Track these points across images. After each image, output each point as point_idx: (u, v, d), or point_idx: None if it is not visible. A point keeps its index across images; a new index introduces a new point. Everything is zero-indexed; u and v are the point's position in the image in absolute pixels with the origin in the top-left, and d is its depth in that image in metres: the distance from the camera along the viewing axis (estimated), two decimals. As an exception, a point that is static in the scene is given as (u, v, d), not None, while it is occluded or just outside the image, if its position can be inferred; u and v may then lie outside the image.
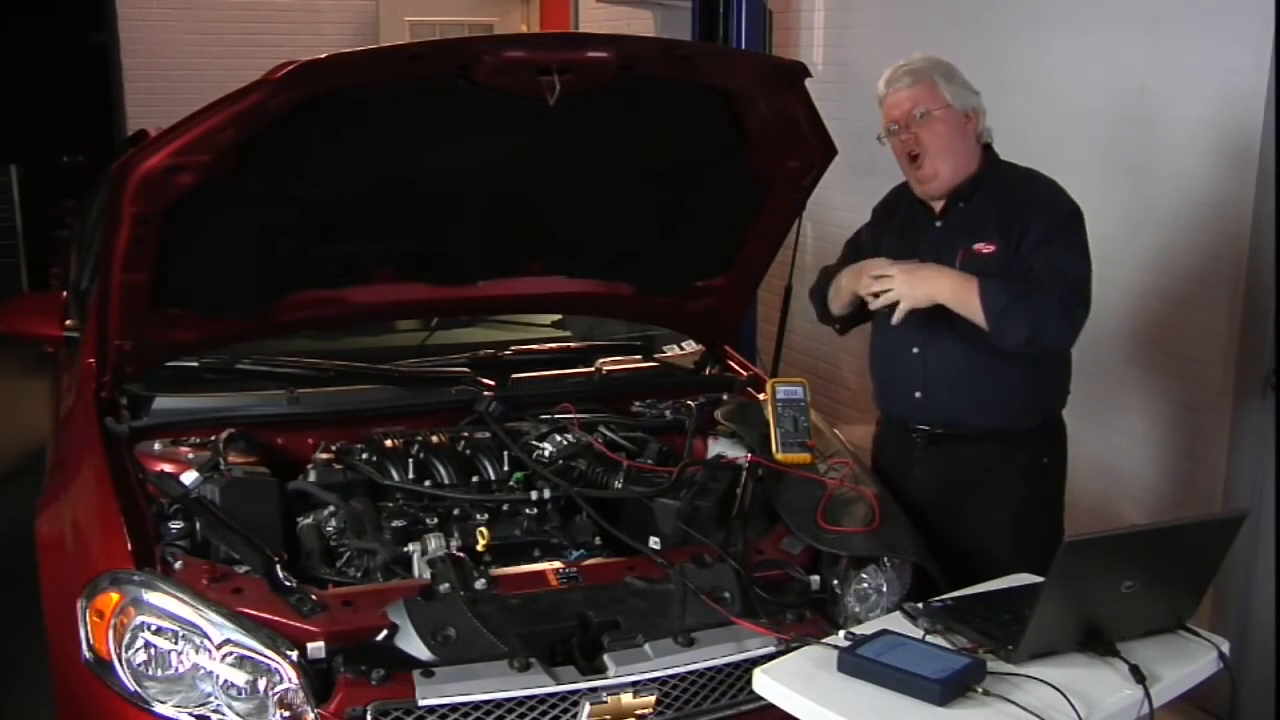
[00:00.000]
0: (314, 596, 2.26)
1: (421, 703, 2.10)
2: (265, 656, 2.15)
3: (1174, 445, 3.59)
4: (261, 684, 2.15)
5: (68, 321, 3.44)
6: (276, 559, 2.35)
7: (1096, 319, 3.72)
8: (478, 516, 2.61)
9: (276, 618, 2.20)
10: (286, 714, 2.13)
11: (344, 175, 2.64)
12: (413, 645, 2.20)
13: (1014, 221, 2.71)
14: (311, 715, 2.11)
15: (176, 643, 2.18)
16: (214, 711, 2.15)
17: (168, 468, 2.60)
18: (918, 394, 2.85)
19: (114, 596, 2.23)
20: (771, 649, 2.28)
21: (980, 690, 1.92)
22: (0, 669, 3.51)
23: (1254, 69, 3.24)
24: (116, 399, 2.79)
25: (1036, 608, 1.99)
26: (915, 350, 2.83)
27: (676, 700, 2.25)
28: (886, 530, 2.60)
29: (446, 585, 2.31)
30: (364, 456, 2.74)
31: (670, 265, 3.18)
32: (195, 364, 2.98)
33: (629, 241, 3.09)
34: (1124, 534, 2.22)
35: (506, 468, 2.81)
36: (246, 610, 2.20)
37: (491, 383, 3.05)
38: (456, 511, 2.63)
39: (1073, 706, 1.88)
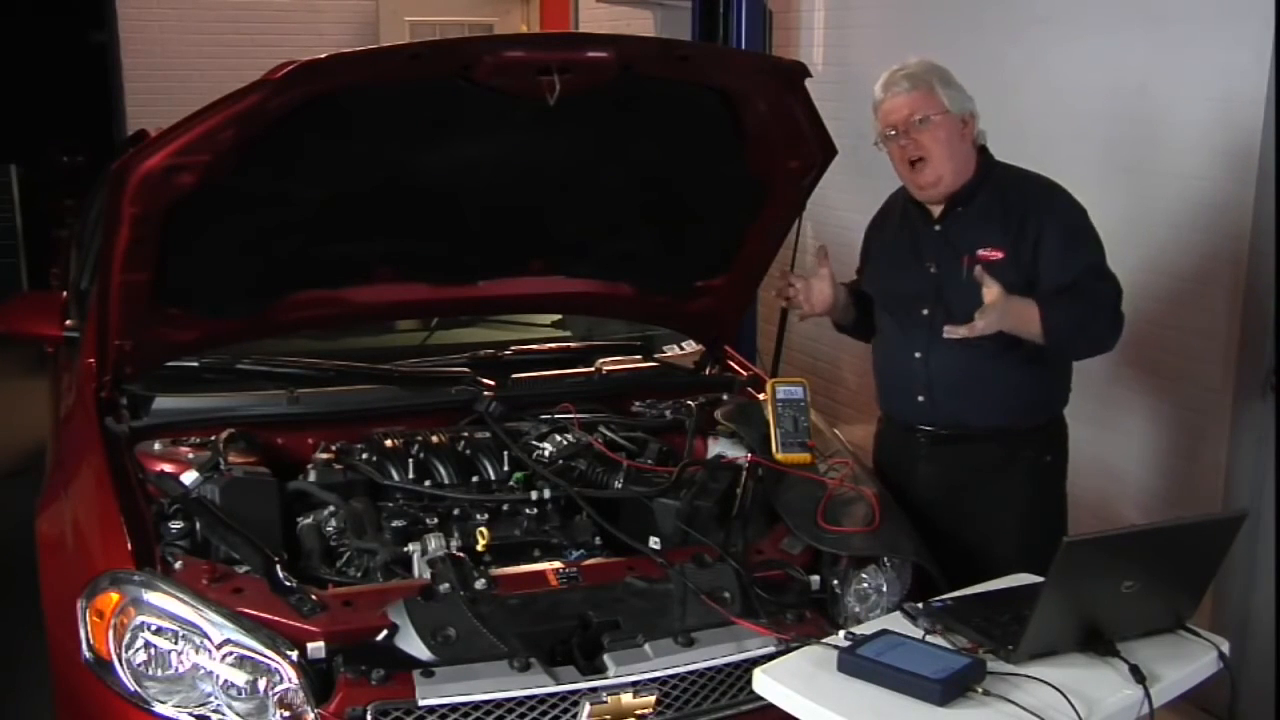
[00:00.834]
0: (314, 596, 2.26)
1: (421, 703, 2.10)
2: (265, 656, 2.15)
3: (1174, 445, 3.59)
4: (261, 684, 2.15)
5: (68, 321, 3.45)
6: (276, 559, 2.35)
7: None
8: (478, 516, 2.61)
9: (276, 618, 2.20)
10: (286, 714, 2.13)
11: (344, 175, 2.64)
12: (413, 645, 2.20)
13: (1022, 228, 2.69)
14: (311, 715, 2.11)
15: (176, 643, 2.18)
16: (214, 711, 2.15)
17: (168, 468, 2.60)
18: (920, 397, 2.85)
19: (114, 596, 2.23)
20: (771, 649, 2.28)
21: (980, 690, 1.92)
22: (0, 669, 3.51)
23: (1254, 69, 3.24)
24: (116, 399, 2.79)
25: (1036, 608, 2.00)
26: (918, 355, 2.82)
27: (676, 700, 2.25)
28: (886, 530, 2.60)
29: (446, 585, 2.31)
30: (364, 456, 2.74)
31: (670, 265, 3.18)
32: (195, 364, 2.98)
33: (629, 241, 3.09)
34: (1124, 534, 2.22)
35: (506, 468, 2.81)
36: (246, 610, 2.20)
37: (491, 383, 3.05)
38: (456, 511, 2.63)
39: (1073, 706, 1.88)
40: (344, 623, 2.22)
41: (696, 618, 2.35)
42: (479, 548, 2.50)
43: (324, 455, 2.74)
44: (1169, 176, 3.54)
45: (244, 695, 2.15)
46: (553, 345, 3.52)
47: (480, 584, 2.34)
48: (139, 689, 2.17)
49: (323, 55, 2.27)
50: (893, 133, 2.76)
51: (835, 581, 2.55)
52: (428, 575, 2.38)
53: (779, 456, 2.76)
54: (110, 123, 7.73)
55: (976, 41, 4.21)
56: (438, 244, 2.94)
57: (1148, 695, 1.96)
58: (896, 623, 2.16)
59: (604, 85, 2.48)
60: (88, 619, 2.24)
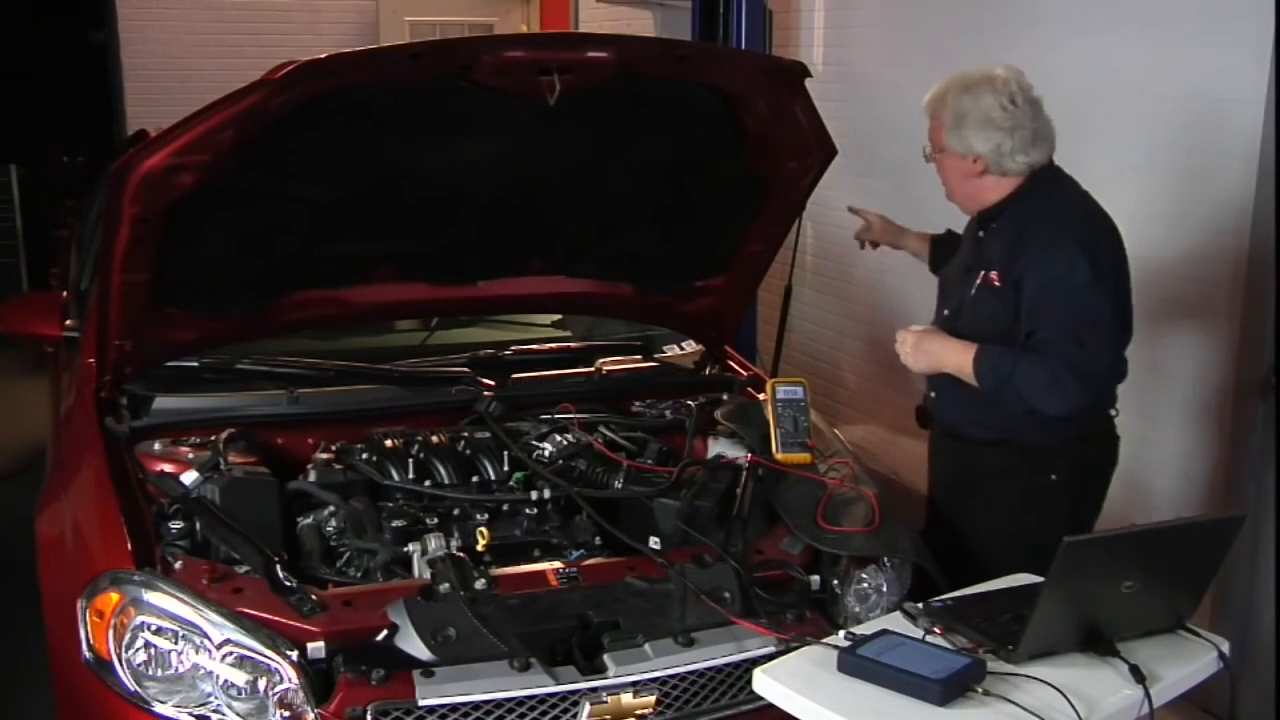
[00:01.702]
0: (314, 596, 2.26)
1: (421, 703, 2.10)
2: (265, 656, 2.15)
3: (1174, 445, 3.59)
4: (261, 684, 2.15)
5: (68, 321, 3.44)
6: (276, 559, 2.35)
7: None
8: (478, 516, 2.61)
9: (276, 618, 2.20)
10: (286, 714, 2.13)
11: (344, 175, 2.64)
12: (413, 645, 2.20)
13: (1013, 265, 2.66)
14: (311, 715, 2.11)
15: (176, 643, 2.18)
16: (214, 711, 2.15)
17: (168, 468, 2.60)
18: (932, 393, 2.91)
19: (114, 596, 2.23)
20: (771, 649, 2.28)
21: (980, 690, 1.92)
22: (0, 669, 3.51)
23: (1254, 69, 3.24)
24: (116, 399, 2.79)
25: (1036, 608, 2.00)
26: None
27: (676, 700, 2.25)
28: (886, 530, 2.60)
29: (446, 585, 2.31)
30: (364, 456, 2.74)
31: (670, 265, 3.18)
32: (195, 364, 2.98)
33: (629, 241, 3.09)
34: (1124, 534, 2.22)
35: (506, 468, 2.81)
36: (246, 610, 2.20)
37: (491, 383, 3.05)
38: (456, 511, 2.64)
39: (1073, 706, 1.88)
40: (344, 623, 2.22)
41: (696, 618, 2.35)
42: (479, 548, 2.50)
43: (324, 455, 2.74)
44: (1169, 176, 3.54)
45: (244, 695, 2.15)
46: (553, 345, 3.52)
47: (480, 584, 2.34)
48: (139, 689, 2.17)
49: (323, 55, 2.27)
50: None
51: (835, 581, 2.55)
52: (428, 575, 2.38)
53: (779, 456, 2.76)
54: (110, 123, 7.73)
55: (976, 41, 4.21)
56: (438, 244, 2.93)
57: (1148, 695, 1.96)
58: (896, 623, 2.16)
59: (604, 85, 2.48)
60: (88, 619, 2.24)
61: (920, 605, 2.21)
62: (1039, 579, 2.12)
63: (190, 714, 2.15)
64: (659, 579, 2.43)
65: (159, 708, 2.16)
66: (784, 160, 2.86)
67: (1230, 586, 3.35)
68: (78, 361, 3.07)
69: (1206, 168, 3.42)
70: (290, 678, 2.13)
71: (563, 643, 2.28)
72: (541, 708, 2.16)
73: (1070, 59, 3.88)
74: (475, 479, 2.77)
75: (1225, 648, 2.14)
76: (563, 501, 2.71)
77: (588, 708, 2.18)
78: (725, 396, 3.16)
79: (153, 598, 2.21)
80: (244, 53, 6.83)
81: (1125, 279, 2.73)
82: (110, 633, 2.20)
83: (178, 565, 2.31)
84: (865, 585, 2.56)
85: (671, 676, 2.25)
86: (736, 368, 3.41)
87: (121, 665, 2.18)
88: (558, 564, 2.48)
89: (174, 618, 2.19)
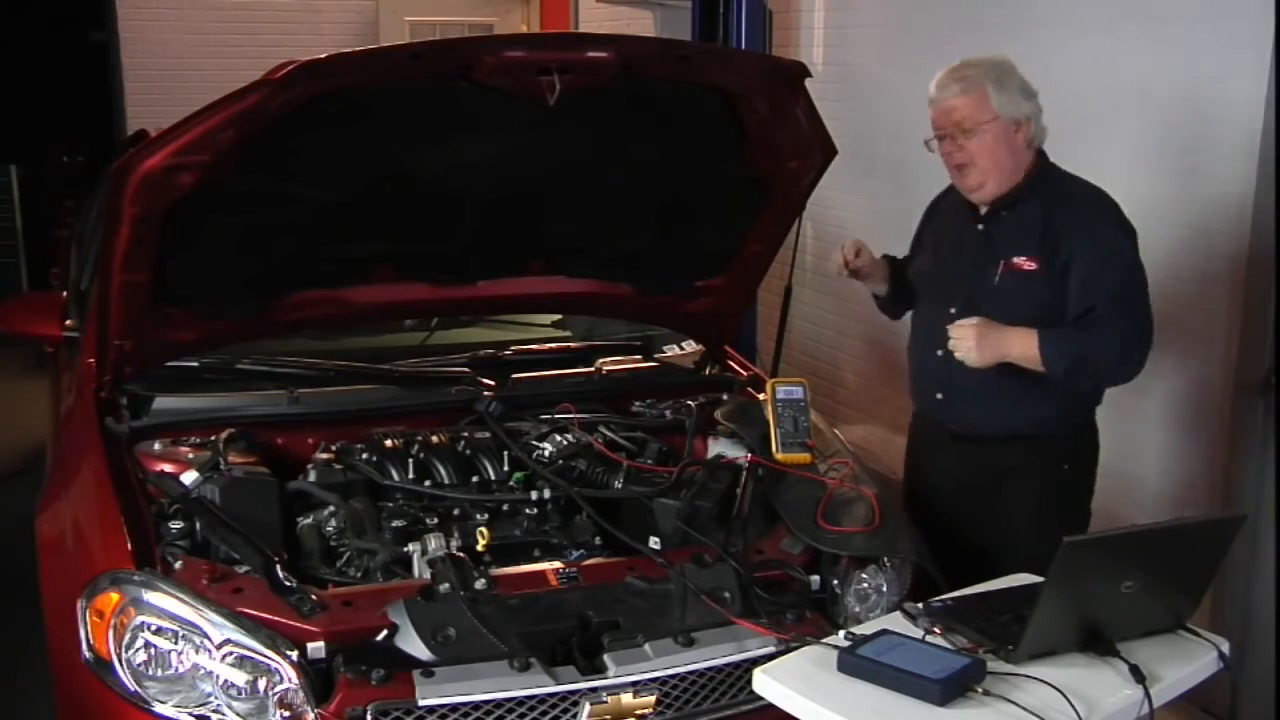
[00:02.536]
0: (314, 596, 2.26)
1: (421, 703, 2.10)
2: (265, 656, 2.15)
3: (1174, 445, 3.59)
4: (261, 684, 2.15)
5: (68, 321, 3.44)
6: (276, 559, 2.35)
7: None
8: (478, 516, 2.61)
9: (276, 618, 2.20)
10: (286, 714, 2.13)
11: (344, 175, 2.64)
12: (413, 645, 2.20)
13: (1059, 244, 2.68)
14: (311, 715, 2.11)
15: (176, 643, 2.18)
16: (214, 711, 2.15)
17: (168, 468, 2.60)
18: (939, 395, 2.88)
19: (114, 596, 2.23)
20: (771, 649, 2.28)
21: (980, 690, 1.92)
22: (0, 669, 3.51)
23: (1254, 69, 3.24)
24: (116, 399, 2.79)
25: (1036, 608, 2.00)
26: (940, 353, 2.81)
27: (676, 700, 2.25)
28: (886, 530, 2.60)
29: (446, 585, 2.31)
30: (364, 456, 2.74)
31: (670, 265, 3.18)
32: (195, 364, 2.98)
33: (629, 241, 3.09)
34: (1124, 534, 2.22)
35: (506, 468, 2.81)
36: (246, 610, 2.20)
37: (491, 383, 3.05)
38: (456, 511, 2.64)
39: (1073, 706, 1.88)
40: (344, 623, 2.22)
41: (696, 618, 2.35)
42: (479, 548, 2.50)
43: (324, 455, 2.74)
44: (1169, 176, 3.54)
45: (244, 695, 2.15)
46: (553, 345, 3.52)
47: (480, 584, 2.34)
48: (139, 689, 2.17)
49: (323, 55, 2.27)
50: (942, 134, 2.75)
51: (835, 581, 2.55)
52: (428, 575, 2.38)
53: (779, 456, 2.76)
54: (110, 123, 7.73)
55: (976, 42, 4.19)
56: (438, 244, 2.93)
57: (1148, 695, 1.96)
58: (896, 623, 2.16)
59: (604, 85, 2.47)
60: (88, 619, 2.24)
61: (920, 605, 2.21)
62: (1039, 579, 2.12)
63: (190, 714, 2.15)
64: (659, 579, 2.43)
65: (159, 708, 2.16)
66: (784, 160, 2.85)
67: (1230, 586, 3.35)
68: (78, 361, 3.07)
69: (1206, 167, 3.42)
70: (290, 678, 2.13)
71: (563, 643, 2.28)
72: (541, 708, 2.16)
73: (1070, 59, 3.88)
74: (475, 479, 2.77)
75: (1225, 648, 2.14)
76: (563, 501, 2.70)
77: (588, 708, 2.18)
78: (725, 396, 3.16)
79: (153, 598, 2.21)
80: (244, 53, 6.83)
81: None
82: (110, 633, 2.20)
83: (178, 565, 2.30)
84: (865, 585, 2.56)
85: (671, 676, 2.25)
86: (736, 368, 3.41)
87: (121, 665, 2.18)
88: (558, 564, 2.48)
89: (174, 618, 2.19)
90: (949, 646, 2.06)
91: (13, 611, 2.91)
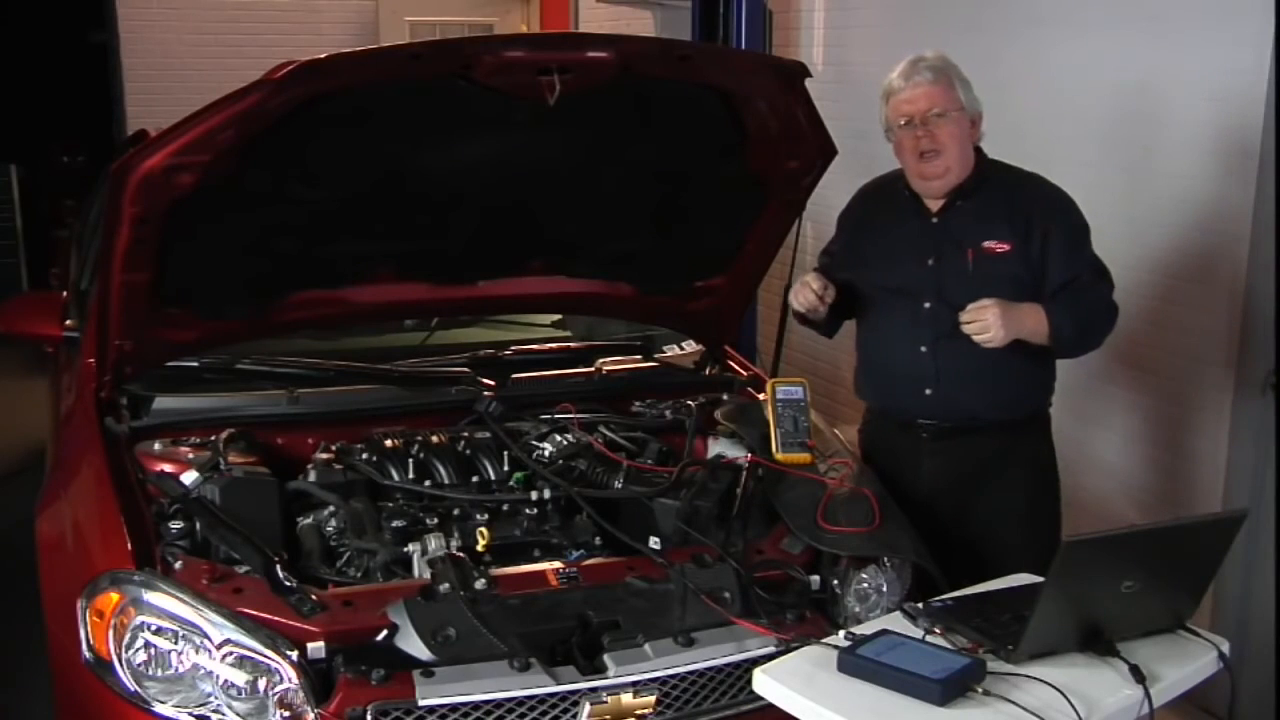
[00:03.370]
0: (314, 596, 2.26)
1: (421, 703, 2.10)
2: (265, 656, 2.15)
3: (1174, 445, 3.59)
4: (261, 684, 2.15)
5: (68, 321, 3.44)
6: (276, 559, 2.35)
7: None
8: (478, 516, 2.61)
9: (276, 618, 2.20)
10: (286, 714, 2.13)
11: (344, 175, 2.64)
12: (413, 645, 2.20)
13: (1030, 224, 2.76)
14: (311, 715, 2.11)
15: (176, 643, 2.18)
16: (214, 711, 2.15)
17: (168, 468, 2.60)
18: (928, 390, 2.87)
19: (114, 596, 2.23)
20: (771, 649, 2.27)
21: (980, 690, 1.92)
22: (0, 669, 3.51)
23: (1254, 69, 3.24)
24: (116, 399, 2.79)
25: (1036, 608, 2.00)
26: (924, 349, 2.83)
27: (676, 700, 2.25)
28: (886, 530, 2.60)
29: (446, 585, 2.31)
30: (364, 456, 2.74)
31: (670, 265, 3.18)
32: (195, 364, 2.98)
33: (629, 241, 3.09)
34: (1124, 534, 2.22)
35: (506, 468, 2.81)
36: (246, 610, 2.20)
37: (491, 383, 3.05)
38: (456, 511, 2.63)
39: (1073, 706, 1.88)
40: (344, 623, 2.22)
41: (696, 618, 2.35)
42: (479, 548, 2.50)
43: (324, 455, 2.74)
44: (1169, 176, 3.54)
45: (244, 695, 2.15)
46: (553, 345, 3.51)
47: (480, 584, 2.34)
48: (139, 689, 2.17)
49: (323, 55, 2.27)
50: (906, 122, 2.77)
51: (835, 581, 2.55)
52: (428, 575, 2.38)
53: (779, 456, 2.76)
54: (110, 123, 7.73)
55: (975, 41, 4.20)
56: (438, 244, 2.93)
57: (1148, 695, 1.96)
58: (896, 623, 2.16)
59: (604, 85, 2.47)
60: (88, 619, 2.24)
61: (920, 605, 2.21)
62: (1039, 579, 2.12)
63: (190, 714, 2.15)
64: (659, 579, 2.43)
65: (159, 708, 2.16)
66: (784, 160, 2.85)
67: (1230, 586, 3.35)
68: (78, 361, 3.07)
69: (1206, 167, 3.42)
70: (290, 678, 2.13)
71: (563, 643, 2.28)
72: (541, 708, 2.16)
73: (1069, 58, 3.88)
74: (475, 479, 2.77)
75: (1225, 648, 2.14)
76: (563, 501, 2.70)
77: (588, 708, 2.18)
78: (725, 396, 3.16)
79: (153, 598, 2.21)
80: (244, 53, 6.84)
81: None
82: (110, 633, 2.20)
83: (178, 565, 2.30)
84: (865, 585, 2.56)
85: (671, 676, 2.25)
86: (736, 368, 3.41)
87: (121, 665, 2.18)
88: (558, 564, 2.48)
89: (174, 618, 2.19)
90: (949, 646, 2.06)
91: (13, 611, 2.92)
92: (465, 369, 3.14)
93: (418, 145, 2.62)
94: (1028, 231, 2.76)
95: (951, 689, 1.90)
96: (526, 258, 3.09)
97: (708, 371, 3.41)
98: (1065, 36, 3.91)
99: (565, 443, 2.84)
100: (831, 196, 3.17)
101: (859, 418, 3.18)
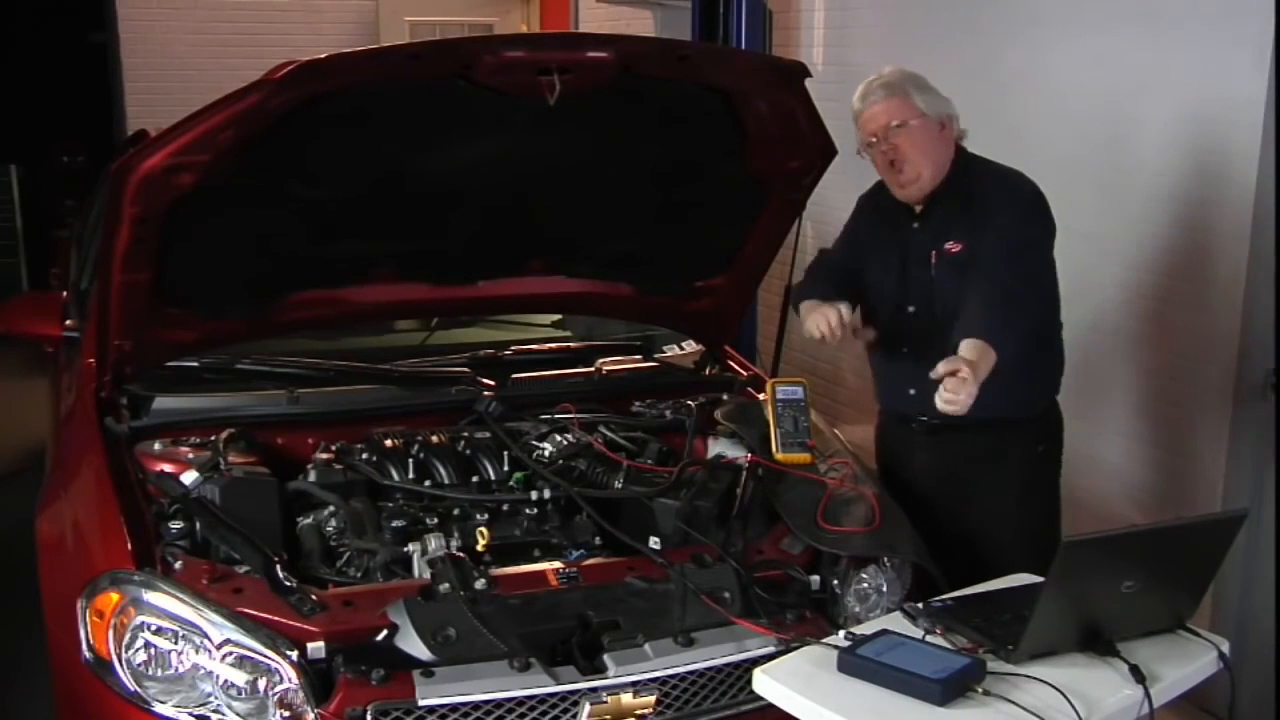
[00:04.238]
0: (314, 596, 2.26)
1: (421, 703, 2.10)
2: (265, 656, 2.15)
3: (1174, 445, 3.59)
4: (261, 684, 2.15)
5: (68, 321, 3.44)
6: (276, 559, 2.35)
7: (1096, 318, 3.72)
8: (478, 516, 2.61)
9: (276, 618, 2.20)
10: (286, 714, 2.13)
11: (344, 175, 2.64)
12: (413, 645, 2.20)
13: (978, 219, 2.77)
14: (311, 715, 2.11)
15: (176, 643, 2.18)
16: (214, 711, 2.15)
17: (168, 468, 2.60)
18: (911, 390, 2.89)
19: (114, 596, 2.23)
20: (771, 649, 2.27)
21: (980, 690, 1.92)
22: (0, 669, 3.51)
23: (1254, 69, 3.24)
24: (116, 399, 2.79)
25: (1036, 608, 2.00)
26: (905, 350, 2.89)
27: (676, 700, 2.25)
28: (886, 530, 2.60)
29: (446, 585, 2.31)
30: (364, 456, 2.74)
31: (670, 265, 3.18)
32: (195, 364, 2.98)
33: (629, 241, 3.09)
34: (1124, 534, 2.22)
35: (506, 468, 2.81)
36: (246, 610, 2.20)
37: (491, 383, 3.05)
38: (456, 511, 2.63)
39: (1073, 706, 1.88)
40: (344, 623, 2.22)
41: (696, 618, 2.35)
42: (479, 548, 2.50)
43: (324, 455, 2.74)
44: (1168, 176, 3.54)
45: (244, 695, 2.15)
46: (553, 345, 3.52)
47: (480, 584, 2.34)
48: (139, 689, 2.17)
49: (323, 55, 2.27)
50: (873, 140, 2.82)
51: (835, 581, 2.55)
52: (428, 575, 2.38)
53: (779, 456, 2.76)
54: (110, 123, 7.72)
55: (974, 42, 4.21)
56: (438, 244, 2.93)
57: (1148, 695, 1.96)
58: (896, 623, 2.16)
59: (604, 85, 2.48)
60: (88, 619, 2.24)
61: (920, 605, 2.22)
62: (1039, 579, 2.12)
63: (190, 714, 2.15)
64: (659, 579, 2.43)
65: (159, 708, 2.16)
66: (784, 160, 2.86)
67: (1230, 586, 3.35)
68: (78, 361, 3.07)
69: (1206, 167, 3.42)
70: (290, 678, 2.13)
71: (563, 643, 2.28)
72: (541, 708, 2.16)
73: (1069, 59, 3.88)
74: (475, 479, 2.77)
75: (1225, 648, 2.14)
76: (563, 501, 2.70)
77: (588, 708, 2.18)
78: (725, 396, 3.16)
79: (153, 598, 2.21)
80: (244, 53, 6.83)
81: None
82: (110, 633, 2.20)
83: (178, 565, 2.30)
84: (865, 585, 2.56)
85: (671, 676, 2.25)
86: (736, 368, 3.41)
87: (121, 665, 2.18)
88: (558, 564, 2.48)
89: (174, 618, 2.19)
90: (949, 646, 2.06)
91: (13, 611, 2.91)
92: (465, 369, 3.14)
93: (418, 145, 2.62)
94: (980, 221, 2.76)
95: (952, 689, 1.90)
96: (526, 258, 3.09)
97: (708, 371, 3.41)
98: (1065, 37, 3.90)
99: (565, 443, 2.84)
100: (831, 196, 3.18)
101: (859, 418, 3.19)
